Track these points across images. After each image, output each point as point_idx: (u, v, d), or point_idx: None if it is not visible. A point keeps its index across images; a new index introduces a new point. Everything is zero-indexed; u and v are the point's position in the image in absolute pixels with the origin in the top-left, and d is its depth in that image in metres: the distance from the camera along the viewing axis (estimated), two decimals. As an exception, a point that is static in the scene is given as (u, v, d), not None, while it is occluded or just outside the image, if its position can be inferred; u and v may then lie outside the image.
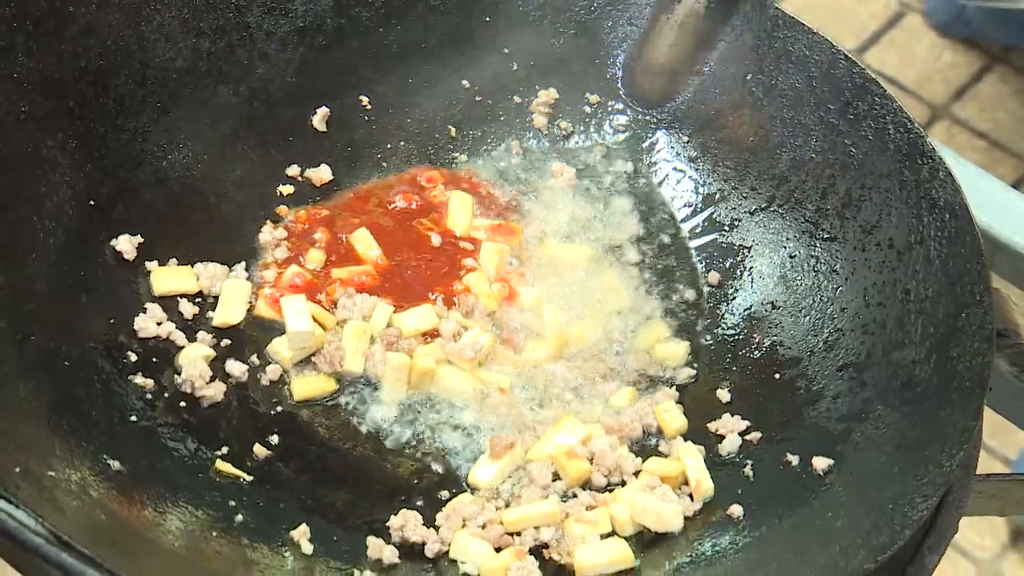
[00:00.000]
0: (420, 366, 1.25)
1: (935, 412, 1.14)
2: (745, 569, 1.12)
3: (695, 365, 1.31)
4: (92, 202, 1.25)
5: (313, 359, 1.26)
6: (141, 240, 1.28)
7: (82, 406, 1.14)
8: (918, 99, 3.03)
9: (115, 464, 1.10)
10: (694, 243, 1.40)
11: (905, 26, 3.20)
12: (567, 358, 1.30)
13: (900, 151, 1.29)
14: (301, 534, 1.13)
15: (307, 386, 1.25)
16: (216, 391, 1.22)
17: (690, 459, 1.20)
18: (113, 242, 1.26)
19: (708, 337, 1.33)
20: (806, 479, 1.17)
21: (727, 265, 1.37)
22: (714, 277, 1.37)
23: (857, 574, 1.04)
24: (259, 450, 1.19)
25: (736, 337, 1.32)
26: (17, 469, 1.00)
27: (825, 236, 1.32)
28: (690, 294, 1.36)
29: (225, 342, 1.26)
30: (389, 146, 1.43)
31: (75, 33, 1.26)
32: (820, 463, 1.17)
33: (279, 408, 1.23)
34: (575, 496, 1.19)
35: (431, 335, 1.29)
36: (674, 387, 1.29)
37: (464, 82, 1.45)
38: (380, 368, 1.26)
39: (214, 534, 1.10)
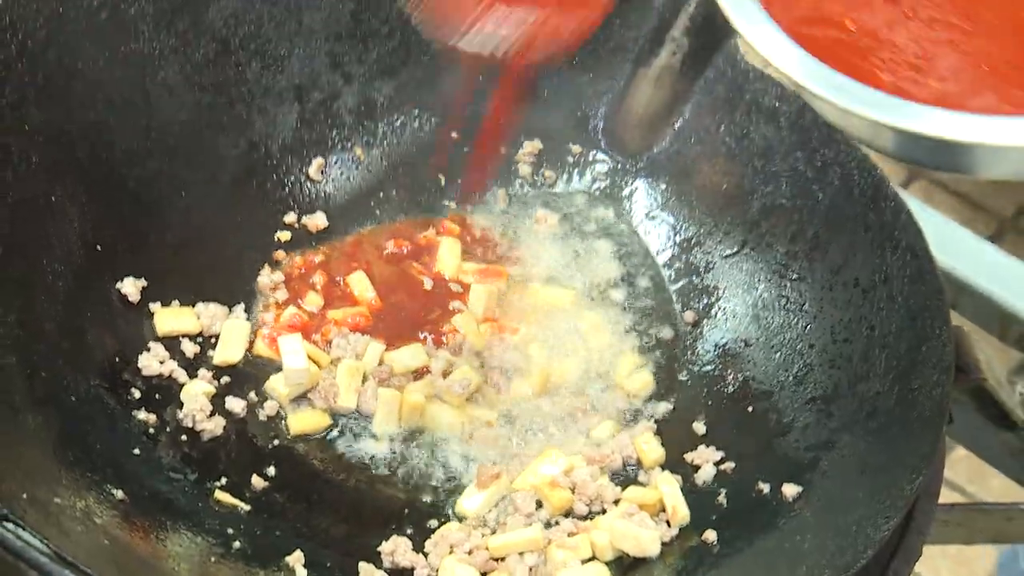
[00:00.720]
0: (410, 402, 1.30)
1: (897, 440, 1.19)
2: (719, 591, 1.16)
3: (672, 400, 1.35)
4: (98, 247, 1.30)
5: (308, 395, 1.31)
6: (145, 283, 1.32)
7: (88, 438, 1.18)
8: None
9: (119, 493, 1.14)
10: (671, 285, 1.44)
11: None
12: (551, 394, 1.35)
13: (864, 195, 1.33)
14: (296, 560, 1.16)
15: (303, 421, 1.29)
16: (216, 425, 1.26)
17: (667, 488, 1.24)
18: (118, 285, 1.31)
19: (685, 373, 1.37)
20: (776, 505, 1.21)
21: (702, 306, 1.42)
22: (690, 316, 1.41)
23: (822, 592, 1.08)
24: (257, 481, 1.23)
25: (711, 373, 1.37)
26: (24, 495, 1.04)
27: (794, 277, 1.37)
28: (667, 333, 1.41)
29: (225, 379, 1.31)
30: (382, 194, 1.47)
31: (83, 88, 1.31)
32: (789, 490, 1.22)
33: (276, 442, 1.28)
34: (558, 523, 1.23)
35: (421, 372, 1.34)
36: (653, 420, 1.33)
37: (453, 134, 1.50)
38: (372, 404, 1.30)
39: (213, 560, 1.14)
